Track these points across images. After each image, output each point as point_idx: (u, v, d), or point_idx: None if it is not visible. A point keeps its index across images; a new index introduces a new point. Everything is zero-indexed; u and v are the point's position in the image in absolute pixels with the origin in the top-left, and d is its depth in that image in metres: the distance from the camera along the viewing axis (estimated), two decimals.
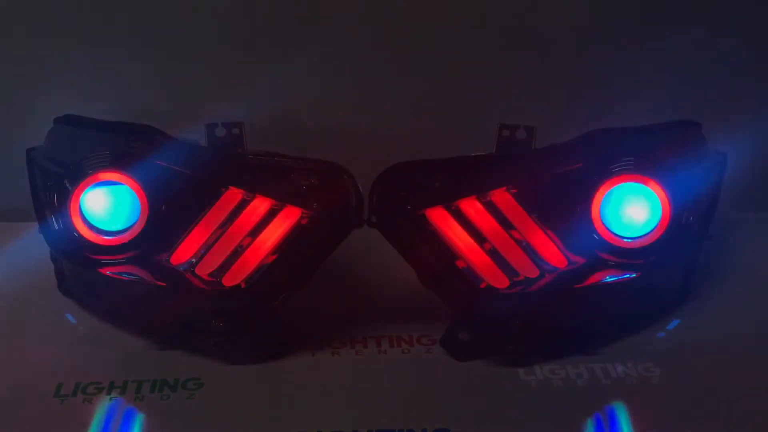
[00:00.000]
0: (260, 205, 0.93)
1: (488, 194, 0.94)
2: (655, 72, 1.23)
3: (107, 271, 0.94)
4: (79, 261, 0.97)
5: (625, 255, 0.94)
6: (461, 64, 1.24)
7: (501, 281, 0.92)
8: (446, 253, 0.92)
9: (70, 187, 0.95)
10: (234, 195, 0.94)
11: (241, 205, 0.94)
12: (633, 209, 0.95)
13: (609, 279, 0.93)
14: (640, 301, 0.97)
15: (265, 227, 0.93)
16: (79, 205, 0.95)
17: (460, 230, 0.93)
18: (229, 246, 0.94)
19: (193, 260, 0.95)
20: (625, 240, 0.95)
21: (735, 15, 1.22)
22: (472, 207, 0.93)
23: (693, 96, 1.21)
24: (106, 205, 0.96)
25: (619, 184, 0.94)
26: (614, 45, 1.23)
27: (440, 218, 0.93)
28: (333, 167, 0.90)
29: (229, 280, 0.92)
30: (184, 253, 0.95)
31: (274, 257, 0.91)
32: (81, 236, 0.95)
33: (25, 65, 1.23)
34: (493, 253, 0.93)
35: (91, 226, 0.96)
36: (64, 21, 1.21)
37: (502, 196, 0.94)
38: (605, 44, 1.22)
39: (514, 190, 0.94)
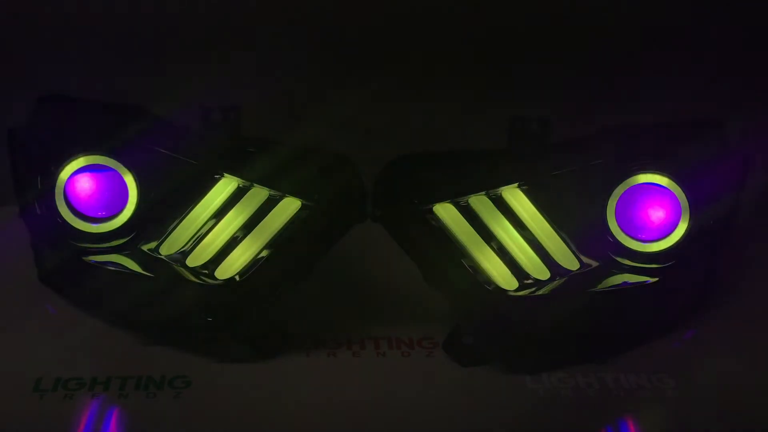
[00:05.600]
0: (257, 195, 0.92)
1: (499, 190, 0.92)
2: (676, 68, 1.23)
3: (92, 260, 0.93)
4: (62, 248, 0.95)
5: (641, 259, 0.92)
6: (475, 53, 1.24)
7: (510, 283, 0.91)
8: (453, 251, 0.90)
9: (54, 170, 0.93)
10: (229, 183, 0.92)
11: (237, 195, 0.92)
12: (651, 210, 0.93)
13: (623, 284, 0.92)
14: (656, 308, 0.95)
15: (262, 218, 0.91)
16: (64, 190, 0.93)
17: (468, 227, 0.91)
18: (223, 237, 0.92)
19: (185, 251, 0.93)
20: (642, 243, 0.93)
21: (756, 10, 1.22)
22: (481, 203, 0.92)
23: (715, 94, 1.21)
24: (92, 189, 0.94)
25: (638, 184, 0.92)
26: (634, 39, 1.22)
27: (448, 214, 0.91)
28: (336, 157, 0.90)
29: (222, 273, 0.91)
30: (174, 243, 0.93)
31: (270, 251, 0.90)
32: (65, 222, 0.93)
33: (8, 41, 1.21)
34: (502, 253, 0.92)
35: (76, 212, 0.94)
36: None
37: (513, 193, 0.93)
38: (624, 38, 1.22)
39: (526, 187, 0.93)
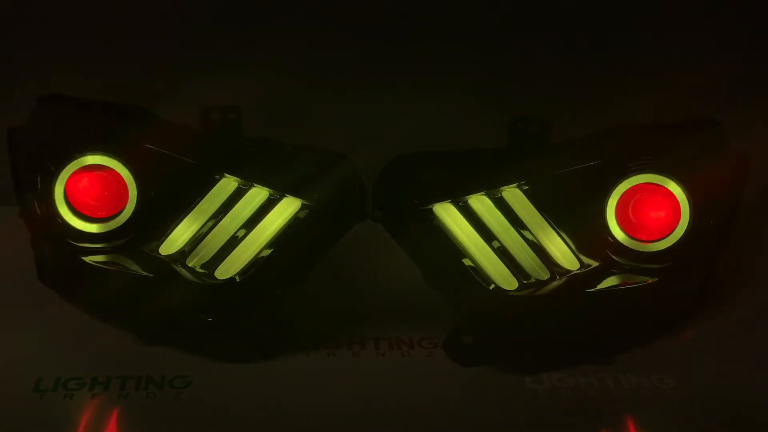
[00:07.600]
0: (257, 195, 0.92)
1: (499, 190, 0.92)
2: (675, 67, 1.22)
3: (92, 260, 0.92)
4: (62, 248, 0.94)
5: (641, 259, 0.92)
6: (473, 53, 1.23)
7: (509, 283, 0.91)
8: (453, 250, 0.90)
9: (54, 170, 0.92)
10: (229, 183, 0.93)
11: (237, 195, 0.92)
12: (651, 210, 0.93)
13: (623, 284, 0.91)
14: (655, 308, 0.94)
15: (262, 218, 0.91)
16: (64, 189, 0.93)
17: (468, 227, 0.91)
18: (223, 237, 0.92)
19: (184, 251, 0.93)
20: (642, 243, 0.92)
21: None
22: (481, 203, 0.92)
23: (715, 94, 1.20)
24: (92, 189, 0.94)
25: (637, 184, 0.92)
26: (632, 37, 1.22)
27: (447, 214, 0.91)
28: (335, 157, 0.89)
29: (222, 273, 0.90)
30: (174, 243, 0.93)
31: (270, 250, 0.90)
32: (65, 222, 0.93)
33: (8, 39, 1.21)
34: (502, 253, 0.92)
35: (75, 212, 0.94)
36: None
37: (513, 193, 0.93)
38: (623, 36, 1.22)
39: (526, 187, 0.93)
